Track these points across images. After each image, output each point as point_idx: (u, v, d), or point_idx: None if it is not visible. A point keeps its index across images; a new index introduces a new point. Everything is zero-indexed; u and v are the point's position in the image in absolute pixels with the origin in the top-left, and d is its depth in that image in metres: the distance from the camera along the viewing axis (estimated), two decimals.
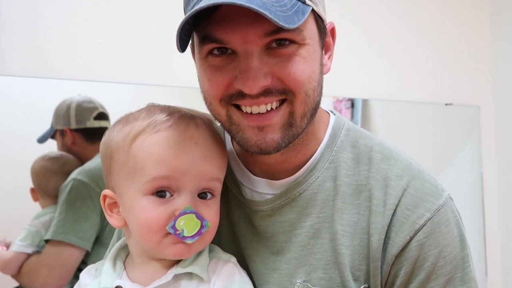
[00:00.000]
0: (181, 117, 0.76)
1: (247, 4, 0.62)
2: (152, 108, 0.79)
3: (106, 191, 0.79)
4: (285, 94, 0.72)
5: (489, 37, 2.35)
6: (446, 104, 2.23)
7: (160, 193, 0.73)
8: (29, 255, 1.55)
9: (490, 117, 2.34)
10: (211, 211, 0.76)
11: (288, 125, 0.73)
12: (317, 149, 0.82)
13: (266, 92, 0.70)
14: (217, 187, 0.78)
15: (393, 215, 0.76)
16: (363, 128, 0.89)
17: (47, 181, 1.61)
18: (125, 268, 0.79)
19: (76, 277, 1.45)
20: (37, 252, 1.55)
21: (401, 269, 0.75)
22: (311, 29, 0.73)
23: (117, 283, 0.75)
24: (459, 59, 2.28)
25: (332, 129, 0.84)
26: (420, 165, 0.82)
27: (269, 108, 0.72)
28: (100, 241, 1.55)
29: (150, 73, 1.67)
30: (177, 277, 0.74)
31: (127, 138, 0.75)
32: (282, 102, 0.73)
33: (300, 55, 0.71)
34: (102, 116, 1.71)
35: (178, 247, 0.73)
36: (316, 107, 0.76)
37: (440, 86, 2.23)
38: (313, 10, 0.72)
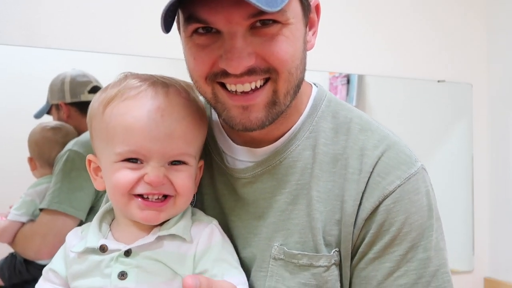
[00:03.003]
0: (152, 84, 0.77)
1: None
2: (127, 75, 0.80)
3: (90, 156, 0.82)
4: (269, 73, 0.73)
5: (484, 14, 2.35)
6: (438, 81, 2.23)
7: (131, 159, 0.75)
8: (23, 224, 1.56)
9: (482, 95, 2.34)
10: (182, 177, 0.77)
11: (272, 103, 0.75)
12: (298, 120, 0.84)
13: (250, 71, 0.72)
14: (188, 159, 0.78)
15: (367, 182, 0.79)
16: (358, 103, 0.91)
17: (50, 151, 1.63)
18: (110, 230, 0.82)
19: None
20: (31, 220, 1.57)
21: (368, 231, 0.78)
22: (295, 9, 0.74)
23: (102, 242, 0.78)
24: (453, 36, 2.28)
25: (314, 100, 0.86)
26: (397, 136, 0.85)
27: (253, 87, 0.74)
28: (94, 211, 1.57)
29: (144, 44, 1.67)
30: (160, 238, 0.77)
31: (101, 105, 0.78)
32: (266, 81, 0.74)
33: (283, 35, 0.72)
34: (96, 89, 1.73)
35: (145, 213, 0.75)
36: (299, 84, 0.78)
37: (433, 63, 2.23)
38: None
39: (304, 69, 0.79)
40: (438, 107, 2.29)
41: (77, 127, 1.70)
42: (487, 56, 2.35)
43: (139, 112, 0.74)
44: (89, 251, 0.79)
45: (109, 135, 0.76)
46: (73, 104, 1.70)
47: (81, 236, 0.83)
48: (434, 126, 2.29)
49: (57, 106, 1.70)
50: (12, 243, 1.58)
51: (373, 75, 2.13)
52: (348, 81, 2.13)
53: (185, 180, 0.77)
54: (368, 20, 2.10)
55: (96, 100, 0.80)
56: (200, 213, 0.83)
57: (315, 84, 0.90)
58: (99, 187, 0.82)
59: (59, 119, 1.70)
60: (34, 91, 1.72)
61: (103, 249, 0.77)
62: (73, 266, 0.80)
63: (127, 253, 0.76)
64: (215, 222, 0.81)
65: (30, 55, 1.65)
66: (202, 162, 0.85)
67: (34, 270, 1.59)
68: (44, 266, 1.56)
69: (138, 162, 0.75)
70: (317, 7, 0.82)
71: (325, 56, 1.93)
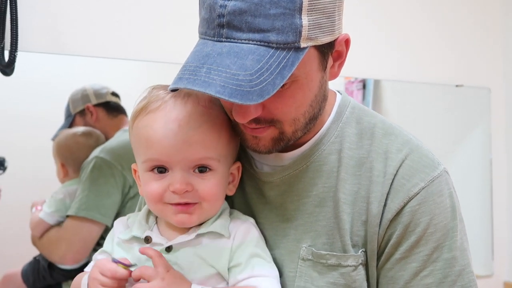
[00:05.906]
0: (173, 96, 0.81)
1: (218, 95, 0.67)
2: (155, 87, 0.85)
3: (133, 165, 0.89)
4: (272, 123, 0.78)
5: (502, 18, 2.34)
6: (456, 86, 2.23)
7: (158, 168, 0.81)
8: (51, 226, 1.60)
9: (500, 99, 2.34)
10: (207, 184, 0.81)
11: (278, 139, 0.81)
12: (323, 126, 0.88)
13: (255, 120, 0.77)
14: (211, 163, 0.81)
15: (391, 184, 0.82)
16: (374, 109, 0.94)
17: (85, 156, 1.66)
18: (156, 223, 0.87)
19: (94, 251, 1.51)
20: (59, 223, 1.60)
21: (394, 233, 0.81)
22: (307, 66, 0.75)
23: (147, 233, 0.84)
24: (470, 40, 2.27)
25: (338, 106, 0.89)
26: (419, 140, 0.88)
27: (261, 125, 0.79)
28: (120, 216, 1.60)
29: (167, 51, 1.67)
30: (199, 235, 0.82)
31: (131, 118, 0.85)
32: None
33: (290, 91, 0.76)
34: (116, 94, 1.77)
35: (179, 217, 0.81)
36: (312, 118, 0.82)
37: (451, 67, 2.23)
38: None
39: (321, 101, 0.82)
40: (456, 111, 2.29)
41: (104, 129, 1.75)
42: (505, 60, 2.35)
43: (159, 124, 0.79)
44: (134, 240, 0.84)
45: (136, 147, 0.84)
46: (99, 105, 1.75)
47: (127, 224, 0.89)
48: (452, 130, 2.30)
49: (82, 113, 1.75)
50: (38, 244, 1.63)
51: (389, 80, 2.14)
52: (364, 86, 2.13)
53: (209, 187, 0.81)
54: (383, 25, 2.11)
55: (132, 112, 0.85)
56: (237, 213, 0.88)
57: (339, 92, 0.93)
58: (142, 194, 0.87)
59: (85, 126, 1.74)
60: (57, 98, 1.76)
61: (147, 240, 0.83)
62: (119, 252, 0.86)
63: (168, 249, 0.81)
64: (251, 220, 0.86)
65: (54, 62, 1.66)
66: (238, 164, 0.89)
67: (57, 275, 1.63)
68: (67, 271, 1.61)
69: (163, 171, 0.81)
70: (347, 42, 0.81)
71: None
